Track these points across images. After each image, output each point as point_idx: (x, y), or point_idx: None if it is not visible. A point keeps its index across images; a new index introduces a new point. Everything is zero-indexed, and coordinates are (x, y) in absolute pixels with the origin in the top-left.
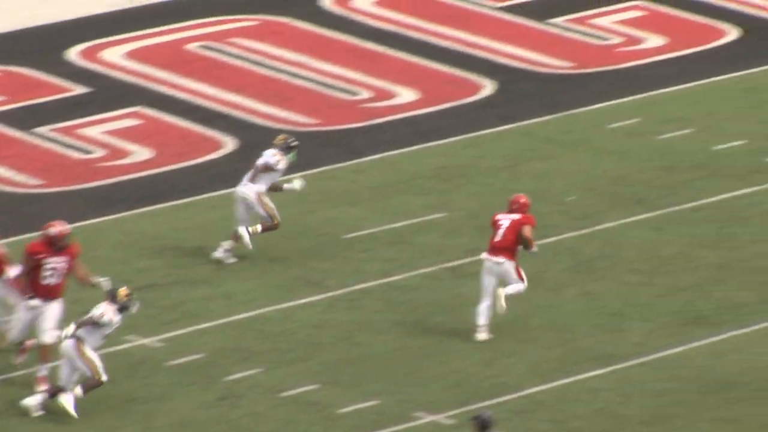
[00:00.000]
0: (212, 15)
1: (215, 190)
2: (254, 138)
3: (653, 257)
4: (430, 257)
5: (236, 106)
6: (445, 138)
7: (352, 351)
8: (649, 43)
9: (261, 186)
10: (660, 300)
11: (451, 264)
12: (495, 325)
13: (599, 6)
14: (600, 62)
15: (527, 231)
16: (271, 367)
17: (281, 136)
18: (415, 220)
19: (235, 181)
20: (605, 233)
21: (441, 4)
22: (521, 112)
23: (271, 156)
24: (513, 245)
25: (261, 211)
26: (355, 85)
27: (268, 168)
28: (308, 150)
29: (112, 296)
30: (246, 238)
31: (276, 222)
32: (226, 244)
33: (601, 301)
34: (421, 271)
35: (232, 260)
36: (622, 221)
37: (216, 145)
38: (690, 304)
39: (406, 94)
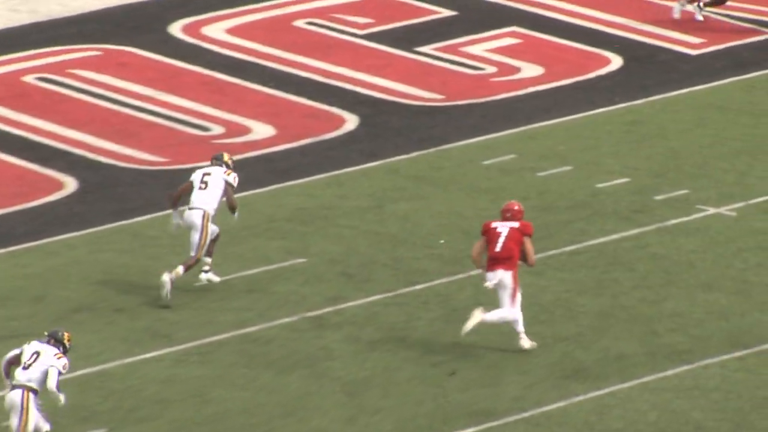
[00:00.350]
0: (51, 44)
1: (55, 235)
2: (97, 178)
3: (531, 305)
4: (289, 306)
5: (77, 144)
6: (305, 177)
7: (204, 409)
8: (524, 73)
9: (212, 209)
10: (538, 351)
11: (312, 314)
12: (359, 379)
13: (472, 33)
14: (472, 94)
15: (529, 245)
16: (115, 427)
17: (227, 155)
18: (272, 267)
19: (77, 225)
20: (479, 279)
21: (300, 32)
22: (387, 148)
23: (224, 174)
24: (514, 255)
25: (198, 239)
26: (207, 119)
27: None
28: (155, 191)
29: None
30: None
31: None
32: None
33: (476, 352)
34: (280, 321)
35: (216, 279)
36: None
37: (55, 186)
38: (570, 356)
39: (261, 130)
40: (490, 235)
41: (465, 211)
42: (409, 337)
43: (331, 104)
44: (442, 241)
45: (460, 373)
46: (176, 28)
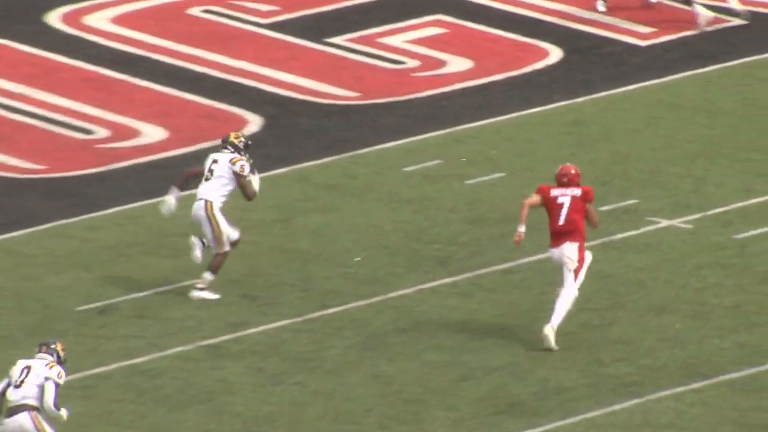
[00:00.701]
0: None
1: None
2: None
3: (460, 331)
4: (184, 334)
5: None
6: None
7: None
8: (451, 67)
9: (216, 198)
10: (468, 384)
11: (209, 342)
12: (262, 415)
13: (391, 22)
14: (392, 91)
15: (592, 209)
16: None
17: (235, 134)
18: (165, 288)
19: None
20: (400, 301)
21: (195, 21)
22: (295, 153)
23: (230, 164)
24: (579, 227)
25: (211, 232)
26: (90, 121)
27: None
28: (32, 202)
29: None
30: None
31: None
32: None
33: (396, 385)
34: (173, 350)
35: (214, 296)
36: (421, 287)
37: None
38: (504, 388)
39: (152, 132)
40: (550, 206)
41: (384, 225)
42: (320, 368)
43: (231, 103)
44: (357, 259)
45: (379, 409)
46: (54, 18)
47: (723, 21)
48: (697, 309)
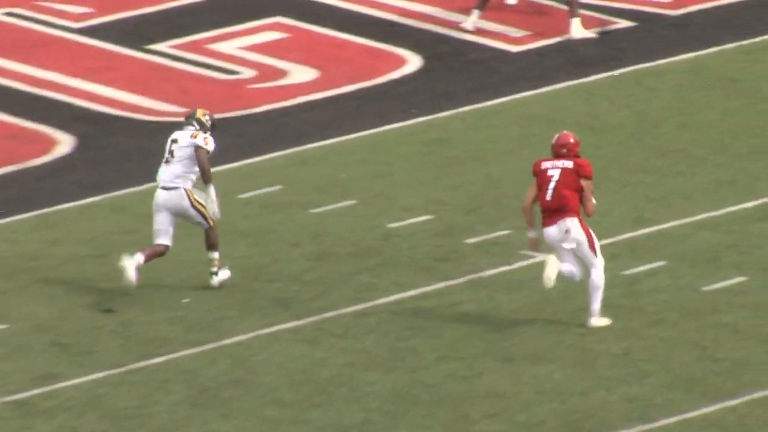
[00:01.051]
0: None
1: None
2: None
3: (304, 383)
4: None
5: None
6: (6, 217)
7: None
8: (293, 78)
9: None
10: None
11: (15, 397)
12: None
13: (223, 26)
14: (224, 105)
15: (588, 190)
16: None
17: (202, 111)
18: None
19: None
20: (236, 350)
21: None
22: (113, 178)
23: (191, 138)
24: (571, 204)
25: (195, 215)
26: None
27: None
28: None
29: None
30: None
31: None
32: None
33: None
34: None
35: (227, 274)
36: (260, 332)
37: None
38: None
39: None
40: (540, 179)
41: None
42: (144, 426)
43: (37, 121)
44: (186, 300)
45: None
46: None
47: (608, 23)
48: (580, 356)
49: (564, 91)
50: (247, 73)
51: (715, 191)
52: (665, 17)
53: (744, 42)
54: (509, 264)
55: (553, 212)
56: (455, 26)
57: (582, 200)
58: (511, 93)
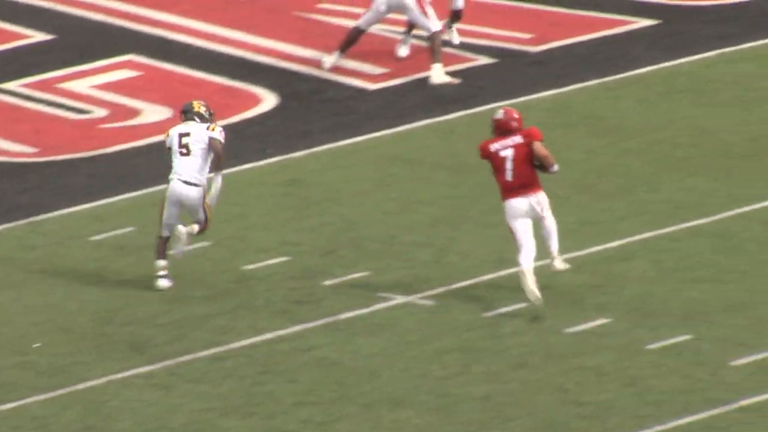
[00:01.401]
0: None
1: None
2: None
3: (158, 429)
4: None
5: None
6: None
7: None
8: (146, 117)
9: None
10: None
11: None
12: None
13: (74, 64)
14: (76, 146)
15: (540, 148)
16: None
17: (198, 103)
18: None
19: None
20: (89, 395)
21: None
22: None
23: (208, 131)
24: (532, 178)
25: (202, 212)
26: None
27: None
28: None
29: None
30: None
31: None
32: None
33: None
34: None
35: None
36: (114, 377)
37: None
38: None
39: None
40: (494, 163)
41: (68, 304)
42: None
43: None
44: (36, 345)
45: None
46: None
47: (467, 60)
48: (440, 401)
49: (422, 130)
50: (100, 112)
51: (578, 231)
52: (526, 54)
53: (607, 79)
54: (367, 306)
55: (517, 189)
56: (312, 64)
57: (540, 162)
58: (369, 132)
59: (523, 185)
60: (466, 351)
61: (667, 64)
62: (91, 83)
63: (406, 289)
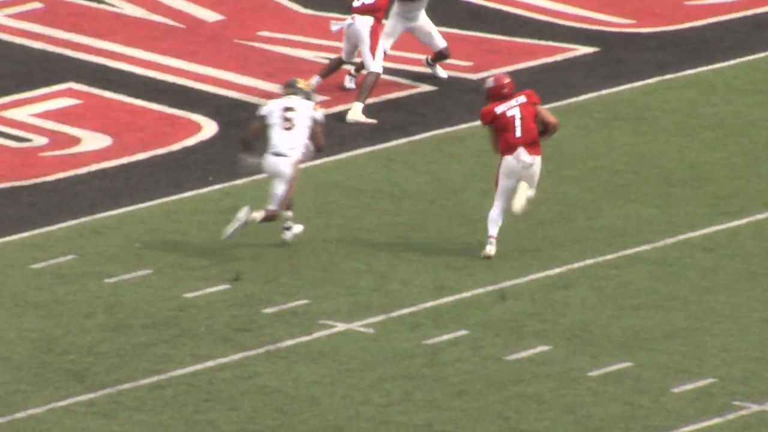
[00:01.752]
0: None
1: None
2: None
3: None
4: None
5: None
6: None
7: None
8: (86, 145)
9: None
10: None
11: None
12: None
13: (13, 92)
14: (16, 174)
15: (547, 113)
16: None
17: (302, 80)
18: None
19: None
20: (29, 424)
21: None
22: None
23: (312, 111)
24: (536, 135)
25: (283, 192)
26: None
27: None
28: None
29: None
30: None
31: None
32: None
33: None
34: None
35: (299, 228)
36: (54, 405)
37: None
38: None
39: None
40: (502, 123)
41: (6, 333)
42: None
43: None
44: None
45: None
46: None
47: (408, 87)
48: (381, 429)
49: (363, 157)
50: (39, 140)
51: (517, 259)
52: (465, 81)
53: (546, 106)
54: (308, 334)
55: (525, 146)
56: (252, 92)
57: (545, 121)
58: (309, 160)
59: (529, 143)
60: (407, 378)
61: (606, 91)
62: (31, 111)
63: (347, 316)
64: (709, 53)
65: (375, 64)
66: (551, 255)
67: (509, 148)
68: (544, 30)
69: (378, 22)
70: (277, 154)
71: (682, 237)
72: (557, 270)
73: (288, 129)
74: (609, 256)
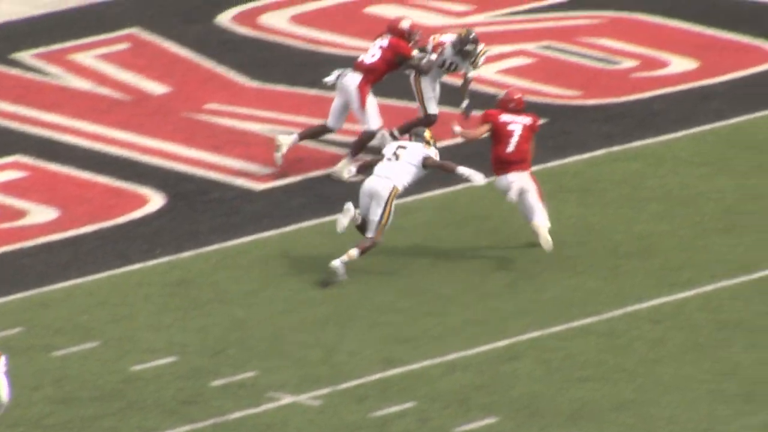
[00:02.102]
0: None
1: None
2: None
3: None
4: None
5: None
6: None
7: None
8: (32, 218)
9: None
10: None
11: None
12: None
13: None
14: None
15: (533, 143)
16: None
17: (426, 130)
18: None
19: None
20: None
21: None
22: None
23: (423, 148)
24: (527, 156)
25: (379, 216)
26: None
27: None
28: None
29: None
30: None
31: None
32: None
33: None
34: None
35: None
36: None
37: None
38: None
39: None
40: (499, 132)
41: None
42: None
43: None
44: None
45: None
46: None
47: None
48: None
49: (310, 230)
50: None
51: (464, 331)
52: None
53: (494, 178)
54: (256, 406)
55: (511, 163)
56: (199, 164)
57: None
58: (255, 232)
59: (518, 161)
60: None
61: (553, 163)
62: None
63: (295, 388)
64: (656, 125)
65: (372, 122)
66: (498, 327)
67: (499, 163)
68: (491, 103)
69: (367, 82)
70: (378, 176)
71: (629, 309)
72: (505, 342)
73: (391, 160)
74: (556, 328)
